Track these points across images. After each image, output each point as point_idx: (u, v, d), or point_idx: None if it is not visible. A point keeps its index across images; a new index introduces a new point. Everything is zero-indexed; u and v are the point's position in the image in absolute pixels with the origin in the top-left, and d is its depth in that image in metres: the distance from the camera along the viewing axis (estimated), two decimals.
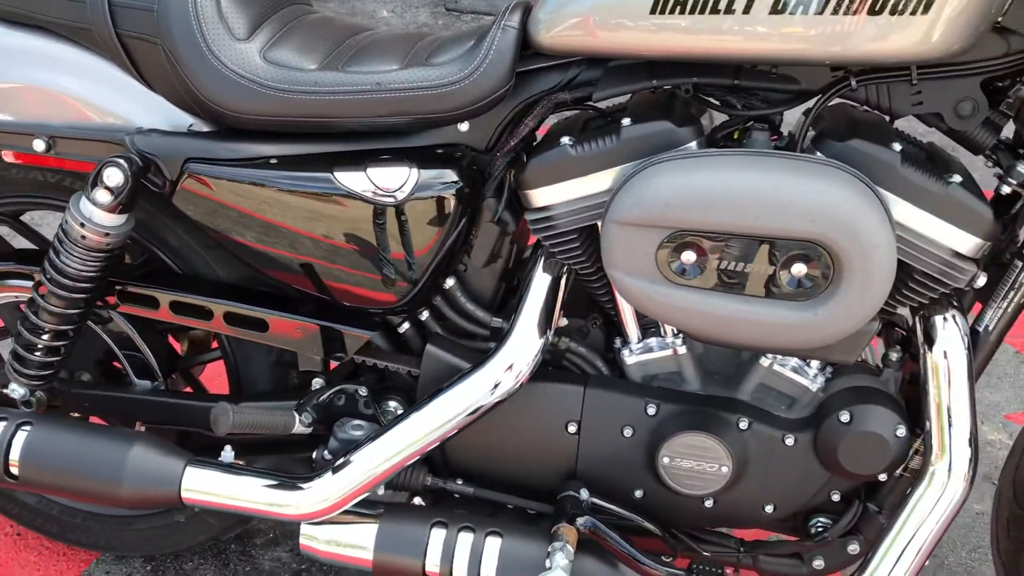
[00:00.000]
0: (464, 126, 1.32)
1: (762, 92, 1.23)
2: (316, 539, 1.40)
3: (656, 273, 1.19)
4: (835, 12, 1.09)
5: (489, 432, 1.40)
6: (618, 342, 1.40)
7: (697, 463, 1.32)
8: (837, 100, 1.23)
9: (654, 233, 1.17)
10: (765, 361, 1.33)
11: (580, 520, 1.32)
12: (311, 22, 1.43)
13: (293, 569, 1.80)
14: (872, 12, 1.08)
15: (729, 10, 1.11)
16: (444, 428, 1.34)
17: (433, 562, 1.35)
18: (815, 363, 1.33)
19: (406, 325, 1.44)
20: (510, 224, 1.35)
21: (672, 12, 1.14)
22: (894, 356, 1.34)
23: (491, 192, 1.34)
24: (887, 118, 1.25)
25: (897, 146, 1.18)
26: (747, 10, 1.11)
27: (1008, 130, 1.24)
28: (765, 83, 1.22)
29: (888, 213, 1.14)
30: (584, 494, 1.37)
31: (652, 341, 1.38)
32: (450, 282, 1.39)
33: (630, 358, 1.38)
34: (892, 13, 1.07)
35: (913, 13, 1.07)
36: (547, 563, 1.26)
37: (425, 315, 1.42)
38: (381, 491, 1.43)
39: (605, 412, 1.37)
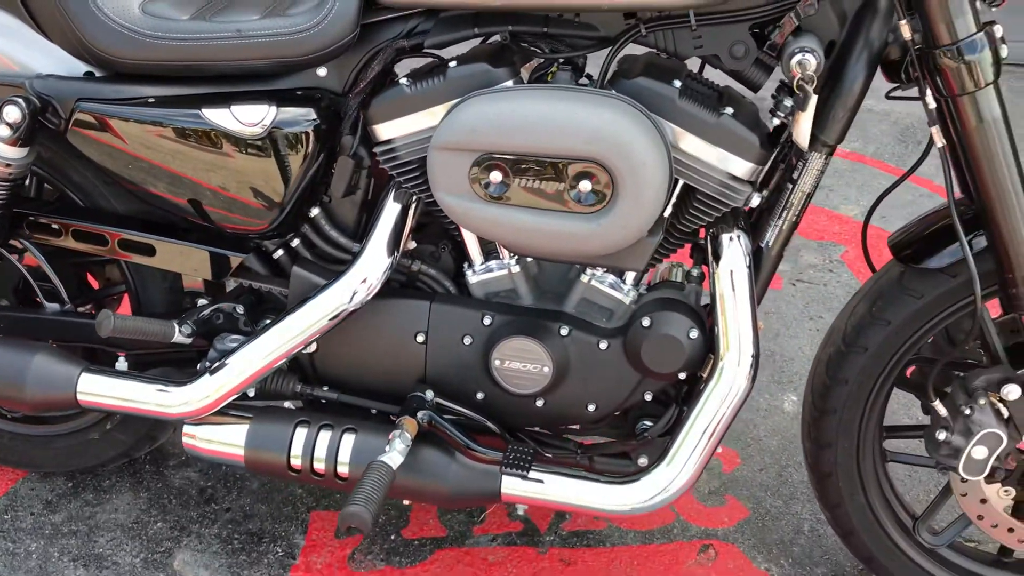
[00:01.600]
0: (322, 71, 1.51)
1: (568, 38, 1.43)
2: (195, 437, 1.59)
3: (470, 192, 1.38)
4: None
5: (350, 344, 1.60)
6: (465, 265, 1.60)
7: (523, 364, 1.52)
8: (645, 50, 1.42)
9: (466, 156, 1.36)
10: (585, 278, 1.53)
11: (420, 414, 1.51)
12: None
13: (200, 487, 2.00)
14: None
15: None
16: (305, 333, 1.53)
17: (296, 454, 1.55)
18: (629, 279, 1.52)
19: (280, 251, 1.63)
20: (364, 159, 1.54)
21: None
22: (695, 272, 1.53)
23: (347, 130, 1.53)
24: (684, 63, 1.44)
25: (677, 83, 1.37)
26: None
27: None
28: (570, 30, 1.42)
29: (663, 137, 1.33)
30: (429, 395, 1.56)
31: (492, 263, 1.57)
32: (315, 211, 1.58)
33: (473, 278, 1.58)
34: None
35: None
36: (386, 448, 1.45)
37: (296, 242, 1.62)
38: (257, 402, 1.63)
39: (448, 323, 1.56)
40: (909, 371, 1.61)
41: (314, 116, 1.50)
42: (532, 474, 1.52)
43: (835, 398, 1.57)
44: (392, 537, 1.89)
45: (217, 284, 1.72)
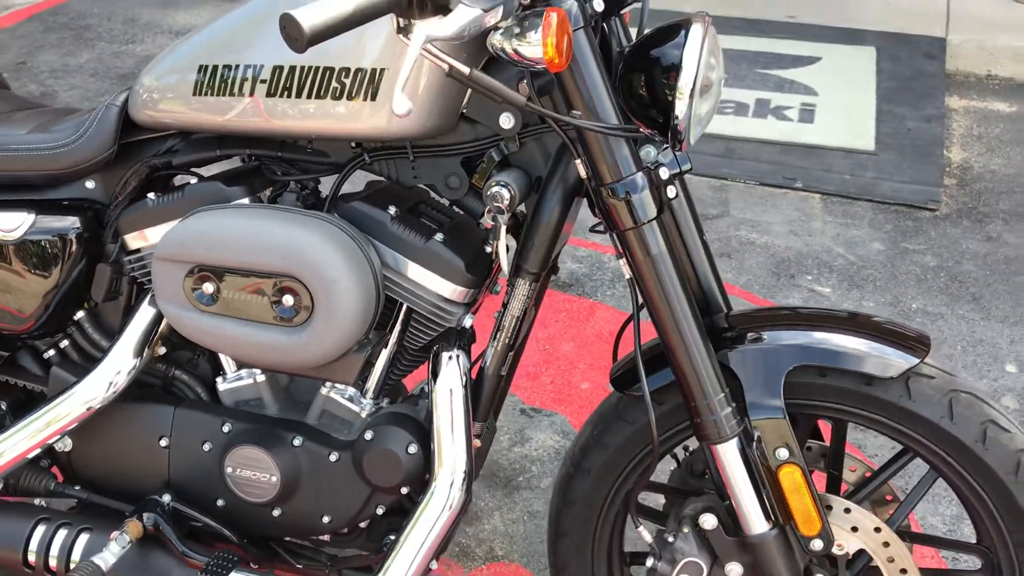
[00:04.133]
0: (90, 183, 1.61)
1: (302, 163, 1.52)
2: None
3: (185, 302, 1.45)
4: (311, 96, 1.38)
5: (102, 444, 1.65)
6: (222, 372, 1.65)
7: (253, 473, 1.55)
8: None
9: (180, 267, 1.44)
10: (324, 390, 1.58)
11: (146, 517, 1.54)
12: None
13: None
14: (335, 97, 1.37)
15: (240, 94, 1.41)
16: (50, 429, 1.59)
17: (32, 550, 1.58)
18: (369, 393, 1.57)
19: (51, 351, 1.70)
20: (124, 266, 1.62)
21: (205, 94, 1.43)
22: (428, 388, 1.58)
23: (108, 239, 1.61)
24: (425, 191, 1.52)
25: (392, 209, 1.45)
26: (252, 93, 1.40)
27: None
28: (303, 156, 1.51)
29: (367, 258, 1.40)
30: (166, 499, 1.60)
31: (242, 371, 1.62)
32: (80, 314, 1.65)
33: (223, 385, 1.63)
34: (349, 99, 1.36)
35: (364, 99, 1.35)
36: (103, 549, 1.48)
37: (65, 343, 1.68)
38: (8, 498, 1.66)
39: (189, 429, 1.60)
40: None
41: (75, 225, 1.58)
42: None
43: (566, 520, 1.59)
44: None
45: None
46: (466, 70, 1.16)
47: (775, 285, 3.08)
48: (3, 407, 1.70)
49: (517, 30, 1.18)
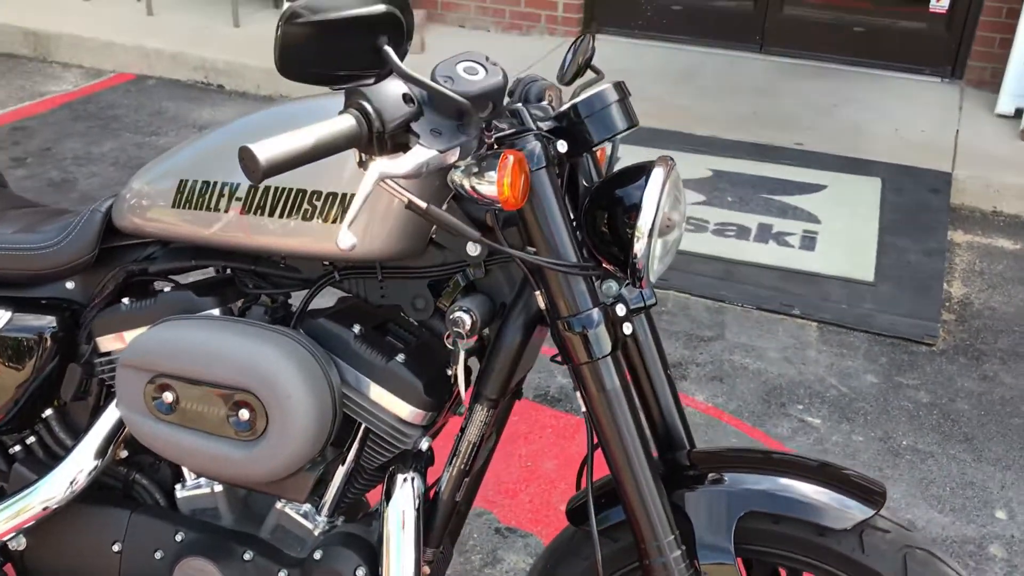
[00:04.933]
0: (70, 284, 1.64)
1: (274, 277, 1.55)
2: None
3: (145, 409, 1.46)
4: (284, 215, 1.41)
5: (56, 545, 1.64)
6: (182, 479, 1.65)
7: None
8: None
9: (142, 375, 1.45)
10: (279, 504, 1.57)
11: None
12: None
13: None
14: (306, 218, 1.40)
15: (216, 209, 1.45)
16: (5, 525, 1.58)
17: None
18: (324, 511, 1.56)
19: (17, 447, 1.71)
20: (95, 367, 1.64)
21: (184, 207, 1.47)
22: (380, 510, 1.56)
23: (83, 340, 1.64)
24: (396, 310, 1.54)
25: (357, 328, 1.47)
26: (227, 209, 1.44)
27: None
28: (275, 270, 1.54)
29: (326, 376, 1.41)
30: None
31: (201, 480, 1.62)
32: (48, 412, 1.67)
33: (180, 493, 1.63)
34: (320, 220, 1.39)
35: (334, 222, 1.39)
36: None
37: (31, 440, 1.69)
38: None
39: (143, 535, 1.60)
40: None
41: (52, 324, 1.61)
42: None
43: None
44: None
45: None
46: (423, 205, 1.19)
47: (765, 413, 3.06)
48: None
49: (475, 169, 1.22)
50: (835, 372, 3.29)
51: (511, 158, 1.18)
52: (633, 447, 1.34)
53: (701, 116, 5.25)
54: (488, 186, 1.21)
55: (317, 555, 1.50)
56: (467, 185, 1.23)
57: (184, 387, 1.43)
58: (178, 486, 1.63)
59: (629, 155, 1.35)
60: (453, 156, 1.18)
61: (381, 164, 1.12)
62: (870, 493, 1.38)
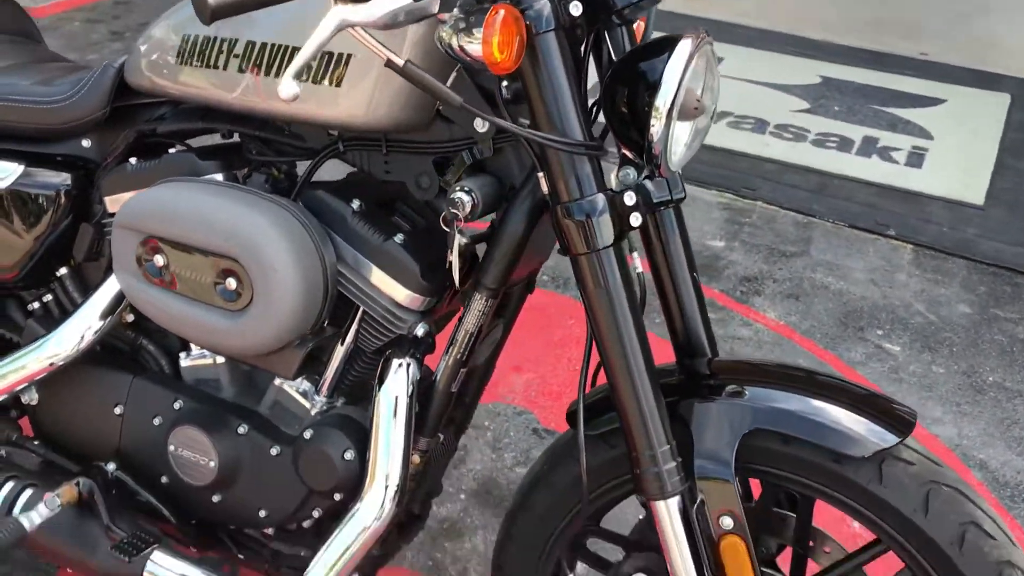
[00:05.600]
0: (86, 142, 1.60)
1: (280, 144, 1.47)
2: None
3: (137, 271, 1.42)
4: (280, 75, 1.31)
5: (63, 404, 1.64)
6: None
7: (192, 455, 1.51)
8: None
9: (134, 236, 1.41)
10: (278, 380, 1.52)
11: (81, 482, 1.52)
12: (18, 49, 1.77)
13: None
14: (304, 80, 1.30)
15: (216, 66, 1.36)
16: (6, 381, 1.59)
17: None
18: (324, 391, 1.51)
19: (35, 304, 1.70)
20: (104, 228, 1.61)
21: (188, 64, 1.40)
22: (373, 394, 1.50)
23: (96, 199, 1.60)
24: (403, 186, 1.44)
25: (356, 203, 1.38)
26: (226, 67, 1.36)
27: None
28: (281, 137, 1.46)
29: (318, 249, 1.33)
30: (111, 467, 1.58)
31: (206, 350, 1.59)
32: (63, 271, 1.65)
33: (184, 361, 1.60)
34: (315, 83, 1.29)
35: (331, 84, 1.29)
36: (38, 507, 1.48)
37: (48, 297, 1.69)
38: None
39: (143, 401, 1.58)
40: None
41: (66, 181, 1.58)
42: (176, 567, 1.50)
43: (505, 557, 1.49)
44: None
45: None
46: (400, 62, 1.08)
47: (840, 336, 2.87)
48: None
49: (463, 24, 1.09)
50: (924, 299, 3.05)
51: (501, 13, 1.05)
52: (630, 347, 1.22)
53: (814, 18, 4.87)
54: (474, 44, 1.08)
55: (307, 434, 1.45)
56: (454, 43, 1.10)
57: (173, 251, 1.38)
58: (183, 355, 1.60)
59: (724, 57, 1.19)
60: (432, 7, 1.06)
61: (341, 9, 1.01)
62: (898, 421, 1.24)
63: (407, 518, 1.65)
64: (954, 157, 3.79)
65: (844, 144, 3.86)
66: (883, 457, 1.22)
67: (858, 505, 1.24)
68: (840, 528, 1.38)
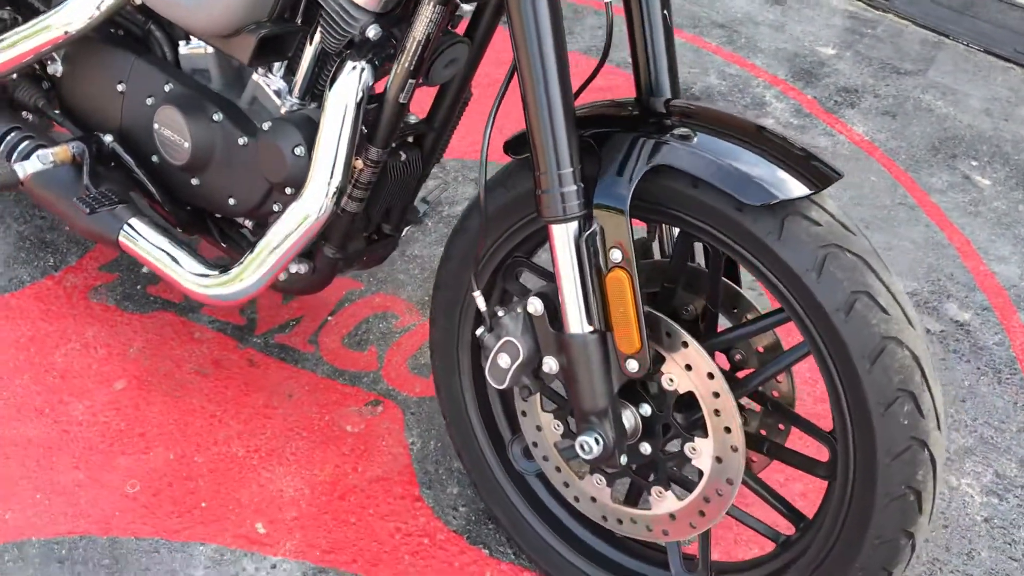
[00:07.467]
0: None
1: None
2: None
3: None
4: None
5: (79, 77, 1.76)
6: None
7: (171, 133, 1.60)
8: None
9: None
10: (256, 76, 1.57)
11: (73, 144, 1.65)
12: None
13: None
14: None
15: None
16: (25, 46, 1.71)
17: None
18: (296, 91, 1.54)
19: None
20: None
21: None
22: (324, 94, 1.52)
23: None
24: None
25: None
26: None
27: None
28: None
29: None
30: (107, 138, 1.70)
31: (196, 41, 1.65)
32: None
33: (183, 49, 1.66)
34: None
35: None
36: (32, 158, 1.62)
37: None
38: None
39: (142, 81, 1.67)
40: None
41: None
42: (148, 234, 1.62)
43: (443, 274, 1.53)
44: (137, 287, 2.06)
45: None
46: None
47: (926, 160, 2.66)
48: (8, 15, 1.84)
49: None
50: None
51: None
52: (544, 67, 1.19)
53: None
54: None
55: (266, 126, 1.51)
56: None
57: None
58: (182, 43, 1.66)
59: None
60: None
61: None
62: (816, 175, 1.16)
63: (379, 235, 1.71)
64: None
65: None
66: (787, 212, 1.16)
67: (758, 262, 1.20)
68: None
